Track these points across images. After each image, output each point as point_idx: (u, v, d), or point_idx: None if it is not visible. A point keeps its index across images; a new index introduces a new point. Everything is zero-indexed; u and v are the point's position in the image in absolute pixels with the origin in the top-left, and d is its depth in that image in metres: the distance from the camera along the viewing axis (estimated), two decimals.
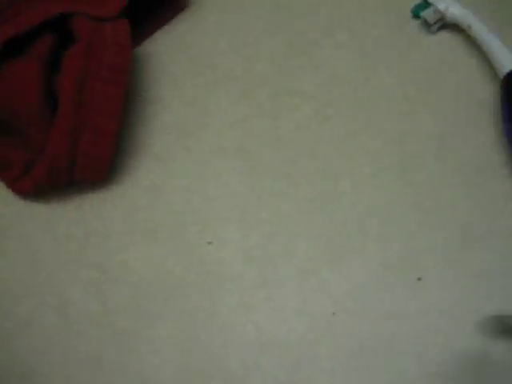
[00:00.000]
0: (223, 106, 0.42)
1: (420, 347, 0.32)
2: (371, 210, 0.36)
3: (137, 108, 0.42)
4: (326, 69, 0.42)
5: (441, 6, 0.42)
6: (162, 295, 0.35)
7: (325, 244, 0.35)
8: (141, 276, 0.36)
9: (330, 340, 0.33)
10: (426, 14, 0.42)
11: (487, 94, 0.39)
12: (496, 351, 0.31)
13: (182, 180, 0.39)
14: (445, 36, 0.43)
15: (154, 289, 0.35)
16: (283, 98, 0.42)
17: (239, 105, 0.42)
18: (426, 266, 0.34)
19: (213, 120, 0.41)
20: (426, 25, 0.43)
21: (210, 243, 0.36)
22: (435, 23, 0.42)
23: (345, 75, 0.42)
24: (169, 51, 0.45)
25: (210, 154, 0.40)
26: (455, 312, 0.32)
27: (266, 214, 0.37)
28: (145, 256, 0.37)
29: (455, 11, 0.41)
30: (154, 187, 0.39)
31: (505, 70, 0.37)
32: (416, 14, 0.43)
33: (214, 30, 0.45)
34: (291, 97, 0.41)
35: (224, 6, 0.45)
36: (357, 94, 0.41)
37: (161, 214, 0.38)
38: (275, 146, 0.39)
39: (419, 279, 0.33)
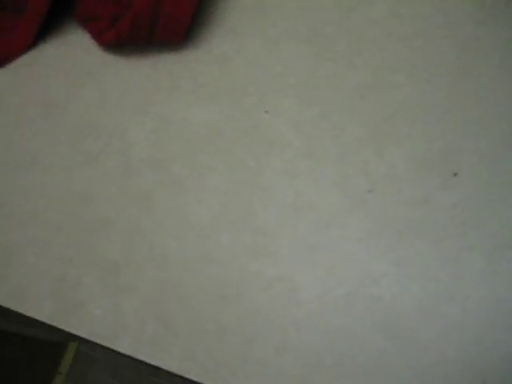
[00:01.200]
0: None
1: (439, 233, 0.33)
2: (422, 107, 0.37)
3: None
4: None
5: None
6: (215, 151, 0.39)
7: (373, 129, 0.37)
8: (199, 133, 0.39)
9: (361, 213, 0.35)
10: None
11: None
12: None
13: (252, 54, 0.42)
14: None
15: (208, 145, 0.39)
16: None
17: None
18: (463, 164, 0.35)
19: (289, 7, 0.43)
20: None
21: (266, 112, 0.39)
22: None
23: None
24: None
25: (282, 34, 0.42)
26: (482, 210, 0.34)
27: (323, 94, 0.39)
28: (205, 116, 0.40)
29: None
30: (224, 57, 0.42)
31: None
32: None
33: None
34: None
35: None
36: None
37: (226, 81, 0.41)
38: (345, 36, 0.41)
39: (455, 174, 0.35)
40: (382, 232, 0.34)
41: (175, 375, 0.33)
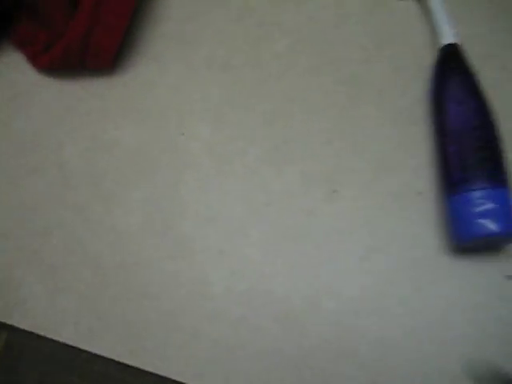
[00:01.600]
0: (218, 25, 0.50)
1: (322, 239, 0.43)
2: (312, 133, 0.46)
3: (144, 17, 0.50)
4: (306, 10, 0.50)
5: None
6: (140, 169, 0.46)
7: (272, 151, 0.45)
8: (127, 151, 0.46)
9: (260, 223, 0.43)
10: None
11: (429, 58, 0.47)
12: None
13: (173, 80, 0.48)
14: (409, 3, 0.50)
15: (134, 163, 0.46)
16: (266, 28, 0.50)
17: (233, 27, 0.50)
18: (342, 182, 0.44)
19: (208, 36, 0.50)
20: None
21: (182, 134, 0.46)
22: None
23: (320, 18, 0.50)
24: None
25: (200, 64, 0.49)
26: (356, 220, 0.43)
27: (233, 119, 0.47)
28: (132, 136, 0.47)
29: None
30: (148, 82, 0.49)
31: (442, 43, 0.46)
32: None
33: None
34: (272, 29, 0.50)
35: None
36: (326, 35, 0.49)
37: (150, 105, 0.48)
38: (253, 67, 0.48)
39: (335, 191, 0.44)
40: (276, 238, 0.42)
41: (110, 360, 0.41)
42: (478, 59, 0.43)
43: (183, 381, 0.39)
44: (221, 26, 0.50)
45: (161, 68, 0.49)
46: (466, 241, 0.39)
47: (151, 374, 0.40)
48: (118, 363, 0.41)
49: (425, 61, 0.46)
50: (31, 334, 0.42)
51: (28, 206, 0.45)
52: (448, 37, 0.45)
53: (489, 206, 0.38)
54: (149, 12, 0.51)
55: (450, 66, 0.44)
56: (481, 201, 0.38)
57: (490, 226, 0.38)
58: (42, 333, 0.42)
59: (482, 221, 0.38)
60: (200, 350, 0.40)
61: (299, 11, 0.50)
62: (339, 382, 0.39)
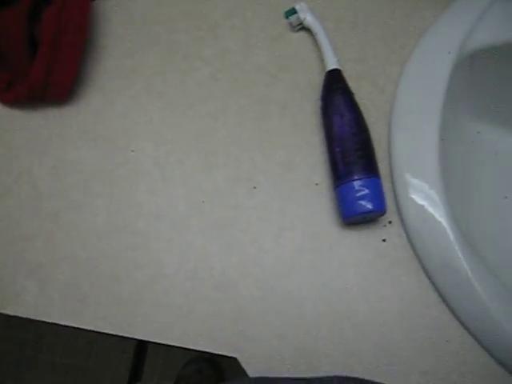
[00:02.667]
0: (153, 60, 0.62)
1: (245, 226, 0.56)
2: (234, 142, 0.59)
3: (89, 55, 0.62)
4: (221, 44, 0.63)
5: (301, 15, 0.62)
6: (101, 181, 0.57)
7: (203, 159, 0.58)
8: (87, 167, 0.57)
9: (198, 217, 0.56)
10: (292, 18, 0.63)
11: (319, 79, 0.60)
12: None
13: (118, 108, 0.60)
14: (302, 35, 0.63)
15: (95, 176, 0.57)
16: (191, 61, 0.62)
17: (164, 60, 0.62)
18: (259, 180, 0.57)
19: (144, 70, 0.62)
20: (292, 25, 0.64)
21: (133, 151, 0.58)
22: (297, 25, 0.63)
23: (233, 50, 0.63)
24: (112, 12, 0.64)
25: (139, 93, 0.60)
26: (272, 210, 0.56)
27: (170, 137, 0.59)
28: (90, 155, 0.58)
29: (310, 20, 0.62)
30: (97, 110, 0.60)
31: (328, 68, 0.60)
32: (286, 17, 0.63)
33: (147, 1, 0.65)
34: (196, 60, 0.62)
35: None
36: (239, 64, 0.62)
37: (101, 129, 0.59)
38: (182, 93, 0.61)
39: (254, 187, 0.57)
40: (212, 227, 0.55)
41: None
42: (354, 79, 0.58)
43: (151, 339, 0.52)
44: (155, 60, 0.62)
45: (106, 98, 0.60)
46: (350, 217, 0.53)
47: (125, 337, 0.52)
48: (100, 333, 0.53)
49: (316, 82, 0.60)
50: None
51: (11, 218, 0.56)
52: (332, 63, 0.59)
53: (365, 191, 0.52)
54: (93, 51, 0.62)
55: (334, 87, 0.57)
56: (360, 187, 0.52)
57: (367, 205, 0.52)
58: (35, 318, 0.53)
59: (361, 202, 0.52)
60: (160, 316, 0.53)
61: (216, 45, 0.62)
62: (267, 328, 0.52)
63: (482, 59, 0.59)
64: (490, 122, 0.68)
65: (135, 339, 0.50)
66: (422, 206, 0.52)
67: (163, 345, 0.50)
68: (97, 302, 0.53)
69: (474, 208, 0.64)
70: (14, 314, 0.52)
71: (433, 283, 0.52)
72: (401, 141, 0.56)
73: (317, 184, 0.55)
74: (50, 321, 0.52)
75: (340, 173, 0.53)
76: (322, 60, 0.60)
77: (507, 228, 0.65)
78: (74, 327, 0.52)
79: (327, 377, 0.41)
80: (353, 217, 0.52)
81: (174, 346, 0.50)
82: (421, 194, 0.52)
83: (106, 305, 0.52)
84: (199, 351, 0.50)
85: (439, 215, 0.51)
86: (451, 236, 0.50)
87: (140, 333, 0.51)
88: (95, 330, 0.52)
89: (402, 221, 0.54)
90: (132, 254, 0.54)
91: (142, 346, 1.42)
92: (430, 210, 0.52)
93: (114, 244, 0.54)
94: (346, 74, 0.57)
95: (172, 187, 0.56)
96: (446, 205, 0.51)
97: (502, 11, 0.59)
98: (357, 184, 0.52)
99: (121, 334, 0.51)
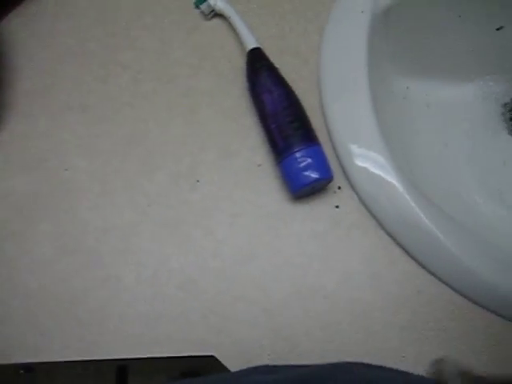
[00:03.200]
0: (70, 73, 0.60)
1: (193, 219, 0.55)
2: (171, 143, 0.57)
3: (5, 78, 0.59)
4: (137, 45, 0.62)
5: (211, 2, 0.62)
6: (40, 205, 0.55)
7: (140, 164, 0.56)
8: (23, 195, 0.55)
9: (147, 221, 0.54)
10: (203, 6, 0.62)
11: (242, 62, 0.60)
12: None
13: (44, 129, 0.58)
14: (216, 22, 0.63)
15: (34, 202, 0.55)
16: (109, 67, 0.61)
17: (81, 71, 0.60)
18: (202, 173, 0.56)
19: (62, 85, 0.60)
20: (204, 14, 0.63)
21: (66, 169, 0.56)
22: (209, 13, 0.63)
23: (150, 49, 0.61)
24: (20, 32, 0.62)
25: (61, 109, 0.58)
26: (217, 201, 0.56)
27: (103, 148, 0.57)
28: (24, 181, 0.55)
29: (221, 5, 0.62)
30: (22, 135, 0.57)
31: (248, 48, 0.59)
32: (197, 6, 0.62)
33: (54, 15, 0.63)
34: (115, 66, 0.61)
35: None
36: (159, 62, 0.61)
37: (29, 153, 0.57)
38: (108, 101, 0.59)
39: (198, 181, 0.56)
40: (163, 229, 0.53)
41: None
42: (276, 55, 0.57)
43: (122, 356, 0.50)
44: (71, 73, 0.60)
45: (28, 120, 0.58)
46: (299, 190, 0.52)
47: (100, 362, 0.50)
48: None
49: (239, 65, 0.59)
50: None
51: None
52: (251, 43, 0.58)
53: (308, 160, 0.52)
54: (6, 74, 0.59)
55: (257, 66, 0.57)
56: (302, 158, 0.52)
57: (313, 174, 0.51)
58: None
59: (306, 173, 0.51)
60: (128, 329, 0.51)
61: (131, 47, 0.61)
62: (238, 318, 0.51)
63: (395, 14, 0.60)
64: (416, 75, 0.69)
65: (111, 364, 0.48)
66: (370, 170, 0.52)
67: (143, 368, 0.48)
68: (59, 330, 0.51)
69: (417, 161, 0.65)
70: None
71: (393, 238, 0.52)
72: (335, 110, 0.56)
73: (259, 165, 0.55)
74: (12, 362, 0.49)
75: (280, 148, 0.53)
76: (241, 42, 0.58)
77: (452, 174, 0.66)
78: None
79: (337, 363, 0.39)
80: (301, 189, 0.52)
81: (152, 365, 0.48)
82: (366, 159, 0.52)
83: (69, 331, 0.50)
84: (178, 367, 0.49)
85: (387, 175, 0.51)
86: (402, 190, 0.50)
87: (110, 352, 0.50)
88: (63, 360, 0.49)
89: (351, 184, 0.54)
90: (87, 274, 0.52)
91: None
92: (378, 171, 0.52)
93: (66, 267, 0.52)
94: (267, 52, 0.57)
95: (115, 198, 0.55)
96: (392, 163, 0.51)
97: None
98: (298, 155, 0.52)
99: (90, 358, 0.49)
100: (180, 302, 0.51)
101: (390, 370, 0.35)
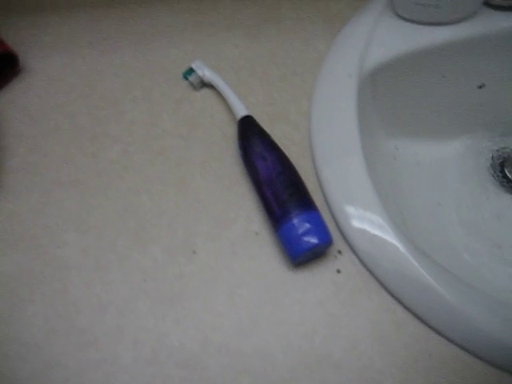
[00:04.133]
0: (59, 148, 0.60)
1: (192, 293, 0.53)
2: (164, 214, 0.56)
3: None
4: (127, 118, 0.61)
5: (199, 72, 0.62)
6: (27, 286, 0.53)
7: (135, 238, 0.55)
8: (8, 277, 0.53)
9: (144, 297, 0.52)
10: (192, 78, 0.63)
11: (233, 130, 0.61)
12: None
13: (34, 206, 0.56)
14: (205, 92, 0.63)
15: (21, 283, 0.53)
16: (99, 141, 0.60)
17: (71, 146, 0.60)
18: (197, 244, 0.55)
19: (52, 161, 0.59)
20: (193, 85, 0.63)
21: (58, 247, 0.54)
22: (198, 84, 0.63)
23: (140, 121, 0.61)
24: (8, 109, 0.62)
25: (51, 185, 0.57)
26: (213, 273, 0.54)
27: (95, 223, 0.55)
28: (10, 262, 0.54)
29: (209, 75, 0.62)
30: (12, 213, 0.56)
31: (239, 116, 0.59)
32: (185, 78, 0.63)
33: (42, 91, 0.63)
34: (104, 140, 0.60)
35: (48, 74, 0.64)
36: (149, 134, 0.61)
37: (19, 232, 0.55)
38: (99, 176, 0.58)
39: (194, 252, 0.54)
40: (161, 304, 0.51)
41: None
42: (267, 122, 0.57)
43: None
44: (61, 149, 0.59)
45: (18, 199, 0.57)
46: (298, 256, 0.51)
47: None
48: None
49: (230, 133, 0.59)
50: None
51: None
52: (241, 111, 0.58)
53: (306, 226, 0.51)
54: None
55: (249, 133, 0.57)
56: (300, 224, 0.51)
57: (312, 240, 0.50)
58: None
59: (305, 238, 0.50)
60: None
61: (121, 120, 0.61)
62: None
63: (381, 77, 0.60)
64: (404, 135, 0.70)
65: None
66: (369, 231, 0.51)
67: None
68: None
69: (413, 220, 0.64)
70: None
71: (398, 300, 0.50)
72: (329, 174, 0.56)
73: (257, 233, 0.53)
74: None
75: (277, 215, 0.52)
76: (231, 111, 0.59)
77: (447, 232, 0.66)
78: None
79: None
80: (301, 255, 0.51)
81: None
82: (364, 221, 0.52)
83: None
84: None
85: (387, 235, 0.51)
86: (403, 250, 0.49)
87: None
88: None
89: (351, 247, 0.53)
90: (82, 355, 0.49)
91: None
92: (377, 232, 0.52)
93: (59, 349, 0.50)
94: (258, 119, 0.57)
95: (109, 274, 0.53)
96: (391, 223, 0.51)
97: (387, 28, 0.61)
98: (296, 221, 0.51)
99: None
100: (181, 380, 0.48)
101: None
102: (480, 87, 0.67)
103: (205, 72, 0.62)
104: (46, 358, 0.49)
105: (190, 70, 0.63)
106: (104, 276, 0.53)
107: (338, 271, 0.52)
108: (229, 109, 0.60)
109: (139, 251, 0.54)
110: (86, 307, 0.51)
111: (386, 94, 0.65)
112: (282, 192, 0.53)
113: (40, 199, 0.57)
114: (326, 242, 0.50)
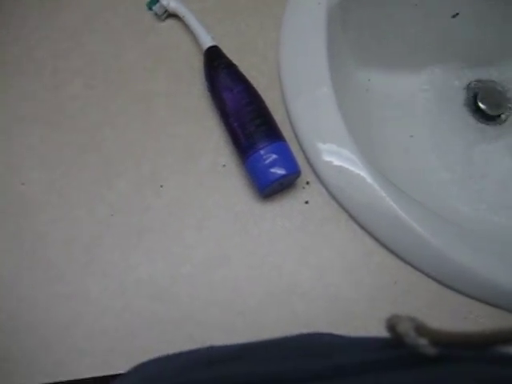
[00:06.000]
0: (18, 83, 0.58)
1: (161, 225, 0.52)
2: (127, 147, 0.55)
3: None
4: (88, 50, 0.59)
5: (164, 2, 0.60)
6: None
7: (99, 173, 0.54)
8: None
9: (110, 232, 0.52)
10: (156, 8, 0.60)
11: (199, 61, 0.58)
12: None
13: None
14: (171, 22, 0.61)
15: None
16: (59, 75, 0.58)
17: (30, 81, 0.58)
18: (165, 177, 0.54)
19: (11, 96, 0.57)
20: (157, 15, 0.61)
21: (22, 184, 0.53)
22: (163, 14, 0.61)
23: (102, 53, 0.59)
24: None
25: (11, 122, 0.56)
26: (183, 205, 0.53)
27: (59, 159, 0.55)
28: None
29: (173, 5, 0.60)
30: None
31: (205, 47, 0.57)
32: (149, 8, 0.60)
33: None
34: (65, 73, 0.58)
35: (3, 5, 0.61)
36: (112, 66, 0.59)
37: None
38: (61, 110, 0.57)
39: (161, 186, 0.54)
40: (129, 237, 0.51)
41: None
42: (234, 53, 0.55)
43: (94, 374, 0.47)
44: (19, 84, 0.58)
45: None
46: (266, 188, 0.51)
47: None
48: None
49: (196, 65, 0.57)
50: None
51: None
52: (207, 41, 0.57)
53: (273, 157, 0.50)
54: None
55: (215, 64, 0.55)
56: (267, 155, 0.50)
57: (279, 171, 0.50)
58: None
59: (272, 169, 0.50)
60: (97, 346, 0.49)
61: (83, 52, 0.59)
62: (215, 324, 0.49)
63: (352, 4, 0.59)
64: (377, 67, 0.68)
65: None
66: (337, 163, 0.51)
67: None
68: (22, 353, 0.48)
69: (385, 153, 0.64)
70: None
71: (366, 230, 0.50)
72: (298, 106, 0.55)
73: (224, 165, 0.53)
74: None
75: (244, 146, 0.51)
76: (197, 42, 0.57)
77: (420, 164, 0.66)
78: None
79: (308, 333, 0.37)
80: (268, 186, 0.50)
81: None
82: (332, 153, 0.51)
83: (33, 353, 0.47)
84: None
85: (355, 167, 0.50)
86: (370, 181, 0.50)
87: (79, 372, 0.46)
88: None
89: (320, 179, 0.52)
90: (49, 290, 0.49)
91: None
92: (345, 164, 0.51)
93: (26, 285, 0.49)
94: (225, 50, 0.55)
95: (74, 209, 0.52)
96: (359, 156, 0.50)
97: None
98: (263, 152, 0.50)
99: (56, 380, 0.46)
100: (152, 312, 0.49)
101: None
102: (454, 16, 0.65)
103: (170, 1, 0.59)
104: (13, 294, 0.49)
105: (154, 0, 0.59)
106: (70, 211, 0.52)
107: (307, 202, 0.52)
108: (195, 40, 0.58)
109: (104, 186, 0.53)
110: (53, 243, 0.51)
111: (357, 23, 0.63)
112: (249, 123, 0.52)
113: (1, 136, 0.55)
114: (293, 172, 0.50)
